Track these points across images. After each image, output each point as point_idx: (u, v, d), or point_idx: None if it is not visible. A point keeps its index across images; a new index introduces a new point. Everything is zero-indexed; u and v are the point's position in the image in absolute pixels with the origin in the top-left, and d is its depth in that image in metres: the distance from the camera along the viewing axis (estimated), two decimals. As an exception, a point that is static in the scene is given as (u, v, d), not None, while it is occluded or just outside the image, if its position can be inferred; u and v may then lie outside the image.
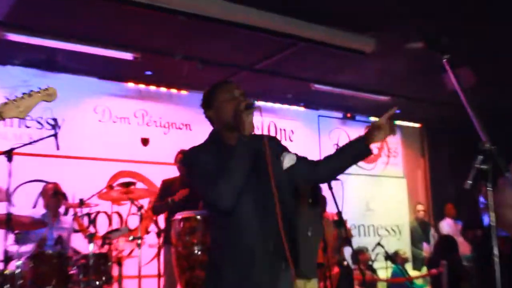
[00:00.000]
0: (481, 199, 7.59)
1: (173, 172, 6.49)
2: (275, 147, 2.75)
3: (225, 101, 2.67)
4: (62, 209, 6.19)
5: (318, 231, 4.69)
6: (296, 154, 2.76)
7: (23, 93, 2.56)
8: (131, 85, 7.70)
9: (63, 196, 6.01)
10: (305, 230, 4.45)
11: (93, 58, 6.63)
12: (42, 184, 6.29)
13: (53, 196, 5.90)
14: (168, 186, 6.16)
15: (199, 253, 4.76)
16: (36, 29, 5.94)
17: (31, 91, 2.58)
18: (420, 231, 9.93)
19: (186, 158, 2.77)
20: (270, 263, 2.55)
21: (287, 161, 2.71)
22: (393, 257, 8.32)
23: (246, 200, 2.53)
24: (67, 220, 6.11)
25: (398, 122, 10.59)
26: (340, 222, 4.73)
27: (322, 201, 5.18)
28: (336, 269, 6.32)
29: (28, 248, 5.29)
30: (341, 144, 10.50)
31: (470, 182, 2.07)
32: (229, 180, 2.44)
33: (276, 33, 6.02)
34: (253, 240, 2.53)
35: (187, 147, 7.63)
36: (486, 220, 7.48)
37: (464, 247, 8.28)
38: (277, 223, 2.47)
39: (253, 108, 2.52)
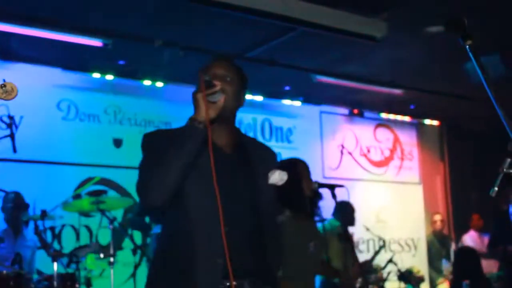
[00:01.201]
0: (511, 209, 7.62)
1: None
2: (266, 157, 2.73)
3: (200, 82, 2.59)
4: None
5: (321, 246, 4.70)
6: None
7: None
8: (100, 76, 7.68)
9: (26, 208, 6.00)
10: (306, 246, 4.45)
11: (55, 45, 6.60)
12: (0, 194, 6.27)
13: (15, 208, 5.88)
14: None
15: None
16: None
17: None
18: (438, 246, 9.95)
19: (143, 141, 2.64)
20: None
21: (276, 178, 2.68)
22: (407, 276, 8.33)
23: (196, 201, 2.45)
24: (29, 236, 6.09)
25: (413, 120, 10.63)
26: (346, 236, 4.74)
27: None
28: None
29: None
30: (347, 146, 10.58)
31: (496, 189, 2.07)
32: (160, 172, 2.38)
33: (271, 15, 6.02)
34: (212, 260, 2.40)
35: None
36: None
37: (491, 264, 8.31)
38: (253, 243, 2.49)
39: (209, 87, 2.46)
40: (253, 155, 2.66)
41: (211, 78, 2.49)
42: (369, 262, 7.57)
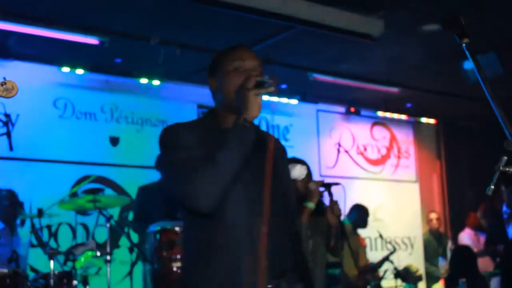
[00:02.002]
0: (504, 208, 7.63)
1: (150, 176, 6.50)
2: (282, 153, 2.65)
3: (232, 71, 2.45)
4: (17, 221, 6.18)
5: (320, 243, 4.69)
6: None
7: None
8: (97, 75, 7.66)
9: (20, 205, 5.99)
10: (306, 243, 4.45)
11: (52, 43, 6.60)
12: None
13: (9, 205, 5.88)
14: (148, 193, 6.17)
15: (179, 271, 4.76)
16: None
17: None
18: (435, 244, 9.96)
19: (164, 135, 2.45)
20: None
21: (298, 173, 2.62)
22: (404, 275, 8.33)
23: (234, 203, 2.31)
24: (25, 234, 6.09)
25: (410, 118, 10.65)
26: (342, 232, 4.72)
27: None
28: None
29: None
30: (343, 144, 10.59)
31: (492, 187, 2.07)
32: (213, 176, 2.21)
33: (268, 13, 6.02)
34: (241, 251, 2.30)
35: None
36: (511, 232, 7.52)
37: (487, 263, 8.32)
38: (287, 241, 2.39)
39: (265, 87, 2.29)
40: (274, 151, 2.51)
41: (269, 79, 2.30)
42: (377, 267, 7.59)
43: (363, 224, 7.79)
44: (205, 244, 2.35)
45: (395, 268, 7.87)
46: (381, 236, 8.30)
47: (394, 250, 7.81)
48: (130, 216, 6.99)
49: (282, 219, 2.42)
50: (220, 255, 2.31)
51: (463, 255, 7.18)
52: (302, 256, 2.49)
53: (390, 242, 8.01)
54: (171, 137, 2.41)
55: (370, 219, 8.54)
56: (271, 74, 2.32)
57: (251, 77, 2.33)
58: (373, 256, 8.87)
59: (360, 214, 7.82)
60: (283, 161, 2.61)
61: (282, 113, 9.16)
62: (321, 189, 4.23)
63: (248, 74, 2.38)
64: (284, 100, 9.09)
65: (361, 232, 8.08)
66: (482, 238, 9.28)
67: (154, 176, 6.40)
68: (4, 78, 2.53)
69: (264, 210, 2.22)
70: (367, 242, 9.57)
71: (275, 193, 2.38)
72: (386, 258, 7.65)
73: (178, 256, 4.82)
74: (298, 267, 2.44)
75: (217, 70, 2.53)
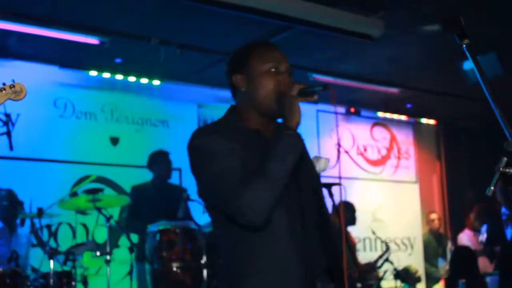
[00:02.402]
0: (503, 209, 7.62)
1: (150, 176, 6.51)
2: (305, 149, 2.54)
3: (265, 72, 2.36)
4: (17, 221, 6.18)
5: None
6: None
7: None
8: (97, 74, 7.66)
9: (20, 205, 5.99)
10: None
11: (52, 42, 6.59)
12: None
13: (9, 205, 5.88)
14: (140, 193, 6.16)
15: (178, 271, 4.76)
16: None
17: None
18: (435, 245, 9.97)
19: (195, 141, 2.31)
20: None
21: (323, 166, 2.58)
22: (403, 275, 8.33)
23: (279, 211, 2.23)
24: (23, 233, 6.09)
25: (410, 119, 10.64)
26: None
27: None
28: None
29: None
30: (344, 144, 10.57)
31: (492, 188, 2.07)
32: (268, 188, 2.12)
33: (268, 14, 6.03)
34: (288, 262, 2.24)
35: (163, 147, 7.67)
36: (509, 233, 7.52)
37: (486, 263, 8.32)
38: (322, 240, 2.33)
39: (313, 96, 2.28)
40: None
41: (321, 88, 2.29)
42: (372, 265, 7.57)
43: (352, 221, 7.72)
44: (248, 254, 2.27)
45: (395, 269, 7.87)
46: (373, 233, 8.26)
47: (388, 249, 7.80)
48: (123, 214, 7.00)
49: (316, 218, 2.38)
50: (265, 268, 2.25)
51: (463, 256, 7.18)
52: (335, 257, 2.41)
53: (384, 242, 7.97)
54: (205, 144, 2.28)
55: (370, 219, 8.58)
56: (323, 83, 2.32)
57: (291, 83, 2.29)
58: (373, 256, 8.88)
59: (348, 212, 7.76)
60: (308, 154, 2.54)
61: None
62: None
63: (284, 78, 2.35)
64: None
65: (362, 233, 8.10)
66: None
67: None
68: (13, 80, 2.51)
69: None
70: (366, 242, 9.58)
71: (309, 192, 2.37)
72: (380, 257, 7.64)
73: (177, 257, 4.81)
74: (331, 267, 2.37)
75: (247, 67, 2.41)
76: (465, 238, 9.58)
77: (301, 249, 2.26)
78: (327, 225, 2.42)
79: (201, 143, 2.29)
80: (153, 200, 6.32)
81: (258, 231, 2.20)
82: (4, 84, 2.50)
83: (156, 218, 5.53)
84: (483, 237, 7.99)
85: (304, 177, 2.38)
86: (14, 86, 2.50)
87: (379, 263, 7.60)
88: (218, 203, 2.26)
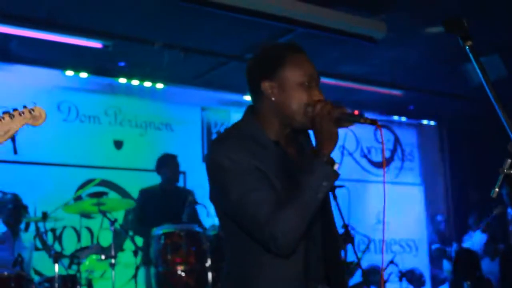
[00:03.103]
0: (509, 210, 7.63)
1: (154, 180, 6.51)
2: None
3: (299, 85, 2.27)
4: (22, 225, 6.19)
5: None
6: None
7: (3, 112, 2.38)
8: (101, 78, 7.67)
9: (24, 209, 6.00)
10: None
11: (55, 46, 6.60)
12: (-1, 195, 6.28)
13: (13, 209, 5.89)
14: (148, 196, 6.16)
15: (183, 274, 4.76)
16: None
17: (14, 109, 2.40)
18: (439, 247, 9.96)
19: (216, 159, 2.21)
20: None
21: None
22: (408, 277, 8.33)
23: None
24: (27, 237, 6.10)
25: (413, 120, 10.64)
26: (346, 237, 4.73)
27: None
28: None
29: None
30: (347, 146, 10.52)
31: (497, 189, 2.07)
32: (302, 219, 2.09)
33: (270, 16, 6.03)
34: (298, 274, 2.23)
35: (167, 150, 7.65)
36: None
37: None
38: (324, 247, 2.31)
39: (349, 123, 2.17)
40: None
41: (352, 114, 2.19)
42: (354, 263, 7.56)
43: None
44: (256, 270, 2.25)
45: (400, 271, 7.87)
46: (369, 240, 8.21)
47: (370, 242, 7.76)
48: (130, 217, 7.01)
49: (323, 228, 2.35)
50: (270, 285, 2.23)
51: (466, 258, 7.18)
52: (335, 264, 2.40)
53: (364, 238, 7.90)
54: (228, 160, 2.17)
55: (374, 221, 8.56)
56: (352, 108, 2.28)
57: (334, 106, 2.20)
58: (376, 258, 8.89)
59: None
60: None
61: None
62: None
63: (315, 95, 2.29)
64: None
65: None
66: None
67: (158, 179, 6.41)
68: (34, 104, 2.45)
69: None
70: (371, 245, 9.57)
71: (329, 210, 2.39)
72: (363, 252, 7.61)
73: (182, 260, 4.81)
74: (331, 275, 2.36)
75: (279, 75, 2.27)
76: (470, 239, 9.57)
77: (307, 263, 2.24)
78: (331, 235, 2.40)
79: (223, 159, 2.18)
80: (160, 203, 6.33)
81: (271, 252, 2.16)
82: (24, 106, 2.43)
83: (164, 221, 5.53)
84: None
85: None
86: (33, 110, 2.45)
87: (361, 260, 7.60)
88: (248, 228, 2.18)
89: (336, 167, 2.13)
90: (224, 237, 2.41)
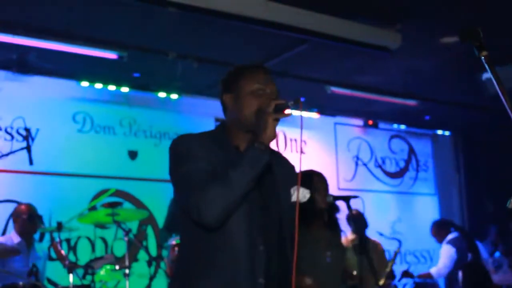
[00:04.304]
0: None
1: (168, 190, 6.48)
2: (288, 175, 2.67)
3: (251, 93, 2.51)
4: (36, 235, 6.21)
5: (339, 257, 4.66)
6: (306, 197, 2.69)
7: None
8: (116, 89, 7.70)
9: (39, 219, 6.02)
10: (323, 257, 4.42)
11: (71, 57, 6.63)
12: (13, 205, 6.30)
13: (28, 219, 5.91)
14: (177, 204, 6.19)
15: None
16: (4, 24, 5.97)
17: None
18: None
19: (176, 145, 2.49)
20: None
21: (300, 196, 2.60)
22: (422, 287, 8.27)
23: (238, 220, 2.38)
24: (41, 247, 6.11)
25: (428, 130, 10.60)
26: (362, 247, 4.69)
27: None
28: None
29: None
30: (361, 157, 10.45)
31: (513, 200, 2.06)
32: (225, 194, 2.27)
33: (285, 27, 6.03)
34: (239, 266, 2.37)
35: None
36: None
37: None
38: (275, 255, 2.44)
39: (285, 113, 2.38)
40: (276, 169, 2.59)
41: (293, 103, 2.39)
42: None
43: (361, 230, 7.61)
44: (204, 257, 2.41)
45: (415, 282, 7.82)
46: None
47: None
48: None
49: (275, 233, 2.49)
50: (218, 271, 2.38)
51: (475, 271, 7.15)
52: (282, 265, 2.50)
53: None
54: (183, 148, 2.45)
55: (389, 231, 8.50)
56: (296, 98, 2.39)
57: (271, 101, 2.39)
58: (397, 268, 8.81)
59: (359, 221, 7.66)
60: (287, 183, 2.63)
61: (299, 127, 9.11)
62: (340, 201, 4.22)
63: (266, 97, 2.46)
64: (302, 113, 9.07)
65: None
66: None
67: (172, 189, 6.40)
68: None
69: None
70: (386, 255, 9.51)
71: (269, 207, 2.50)
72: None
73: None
74: (278, 274, 2.48)
75: (234, 88, 2.57)
76: (484, 250, 9.50)
77: (253, 258, 2.39)
78: (284, 245, 2.51)
79: (179, 147, 2.46)
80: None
81: (214, 238, 2.36)
82: None
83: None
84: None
85: (270, 197, 2.52)
86: None
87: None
88: (181, 201, 2.45)
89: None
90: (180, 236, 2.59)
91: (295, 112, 2.41)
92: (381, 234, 7.46)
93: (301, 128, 2.49)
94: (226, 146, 2.51)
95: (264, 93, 2.50)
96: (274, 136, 2.36)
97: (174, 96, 7.90)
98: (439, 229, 8.39)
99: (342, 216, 4.89)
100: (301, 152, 9.04)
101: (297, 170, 2.71)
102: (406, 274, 7.69)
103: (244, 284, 2.36)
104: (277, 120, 2.37)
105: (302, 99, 2.39)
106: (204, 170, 2.35)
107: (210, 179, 2.31)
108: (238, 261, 2.37)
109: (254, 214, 2.42)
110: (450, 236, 8.19)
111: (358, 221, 7.28)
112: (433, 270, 8.14)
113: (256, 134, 2.36)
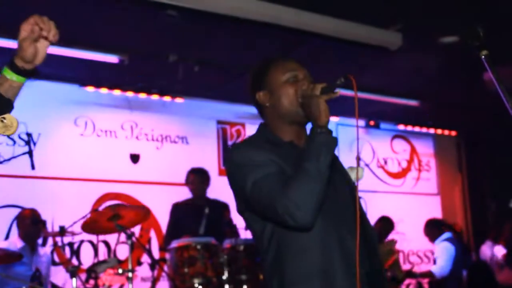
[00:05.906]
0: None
1: (170, 193, 6.50)
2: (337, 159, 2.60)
3: (285, 82, 2.46)
4: (40, 239, 6.21)
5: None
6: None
7: None
8: (117, 92, 7.69)
9: (43, 224, 6.02)
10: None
11: (72, 61, 6.65)
12: (15, 210, 6.31)
13: (31, 224, 5.91)
14: (182, 211, 6.18)
15: (200, 287, 4.75)
16: (5, 28, 5.97)
17: None
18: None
19: (235, 157, 2.37)
20: None
21: (359, 174, 2.52)
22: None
23: (324, 216, 2.27)
24: (45, 252, 6.11)
25: (430, 130, 10.59)
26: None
27: None
28: None
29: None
30: (364, 158, 10.50)
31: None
32: (310, 188, 2.16)
33: (284, 28, 6.04)
34: (335, 268, 2.26)
35: (183, 163, 7.67)
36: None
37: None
38: (364, 248, 2.29)
39: (333, 92, 2.36)
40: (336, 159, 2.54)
41: (342, 80, 2.41)
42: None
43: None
44: (300, 261, 2.29)
45: (418, 282, 7.82)
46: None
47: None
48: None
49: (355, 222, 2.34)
50: (316, 273, 2.26)
51: (480, 271, 7.14)
52: (374, 261, 2.43)
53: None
54: (242, 158, 2.35)
55: (391, 232, 8.49)
56: (344, 74, 2.42)
57: (310, 84, 2.38)
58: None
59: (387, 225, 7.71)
60: (340, 165, 2.61)
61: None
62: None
63: (303, 83, 2.43)
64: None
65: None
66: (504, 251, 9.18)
67: (175, 192, 6.41)
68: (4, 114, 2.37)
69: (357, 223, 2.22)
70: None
71: (345, 197, 2.42)
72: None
73: (199, 273, 4.80)
74: (370, 272, 2.37)
75: (266, 83, 2.52)
76: (488, 249, 9.48)
77: (348, 255, 2.28)
78: (366, 230, 2.42)
79: (241, 158, 2.35)
80: (191, 217, 6.33)
81: (302, 239, 2.24)
82: None
83: (195, 235, 5.54)
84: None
85: (339, 183, 2.44)
86: (4, 119, 2.38)
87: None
88: (265, 209, 2.27)
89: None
90: (259, 249, 2.42)
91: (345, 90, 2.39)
92: None
93: (357, 127, 2.58)
94: (278, 143, 2.43)
95: (298, 79, 2.47)
96: (329, 118, 2.31)
97: (175, 99, 7.90)
98: (432, 229, 8.41)
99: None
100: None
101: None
102: (409, 274, 7.69)
103: (340, 277, 2.26)
104: (325, 101, 2.32)
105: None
106: (274, 173, 2.26)
107: (283, 180, 2.22)
108: (332, 257, 2.26)
109: (329, 204, 2.30)
110: (445, 235, 8.20)
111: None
112: (434, 269, 8.13)
113: (312, 120, 2.31)
